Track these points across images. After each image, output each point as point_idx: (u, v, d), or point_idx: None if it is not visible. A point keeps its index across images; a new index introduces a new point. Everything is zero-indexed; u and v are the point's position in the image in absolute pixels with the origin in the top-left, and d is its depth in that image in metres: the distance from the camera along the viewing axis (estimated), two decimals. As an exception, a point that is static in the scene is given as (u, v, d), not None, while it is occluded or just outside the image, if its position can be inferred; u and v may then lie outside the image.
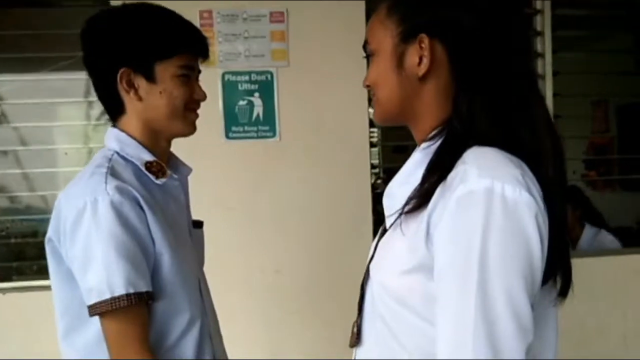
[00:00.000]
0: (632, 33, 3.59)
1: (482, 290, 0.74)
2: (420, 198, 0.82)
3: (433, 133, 0.90)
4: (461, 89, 0.87)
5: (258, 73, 2.37)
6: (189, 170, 1.37)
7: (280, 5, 2.35)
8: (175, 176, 1.28)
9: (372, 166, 2.52)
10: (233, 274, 2.34)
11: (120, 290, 1.08)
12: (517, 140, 0.84)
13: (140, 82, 1.20)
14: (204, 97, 1.27)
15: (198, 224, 1.40)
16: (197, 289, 1.27)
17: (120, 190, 1.12)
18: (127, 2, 1.23)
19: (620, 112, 4.21)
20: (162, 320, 1.18)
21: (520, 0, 0.95)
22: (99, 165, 1.17)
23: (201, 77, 1.29)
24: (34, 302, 2.17)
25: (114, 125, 1.26)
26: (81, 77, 1.25)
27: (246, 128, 2.38)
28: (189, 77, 1.23)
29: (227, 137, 2.37)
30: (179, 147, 1.35)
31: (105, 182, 1.12)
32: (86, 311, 1.11)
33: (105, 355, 1.13)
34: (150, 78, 1.19)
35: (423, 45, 0.87)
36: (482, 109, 0.85)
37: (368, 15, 2.09)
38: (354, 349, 1.00)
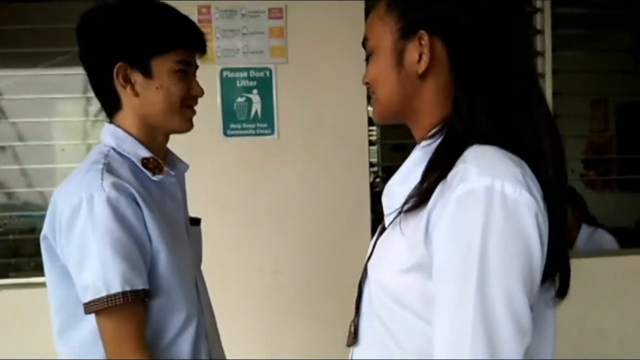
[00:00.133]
0: (630, 32, 3.58)
1: (481, 290, 0.73)
2: (420, 197, 0.82)
3: (433, 131, 0.89)
4: (461, 87, 0.86)
5: (256, 70, 2.36)
6: (186, 167, 1.36)
7: (279, 1, 2.34)
8: (172, 173, 1.27)
9: (371, 164, 2.52)
10: (231, 273, 2.33)
11: (116, 287, 1.08)
12: (517, 139, 0.83)
13: (137, 77, 1.19)
14: (201, 92, 1.26)
15: (195, 222, 1.39)
16: (194, 288, 1.26)
17: (116, 187, 1.11)
18: None
19: (620, 112, 4.21)
20: (158, 318, 1.17)
21: (518, -1, 0.95)
22: (95, 161, 1.17)
23: (199, 73, 1.29)
24: (30, 298, 2.17)
25: (111, 121, 1.25)
26: (79, 73, 1.24)
27: (244, 125, 2.37)
28: (186, 73, 1.23)
29: (225, 134, 2.37)
30: (177, 143, 1.34)
31: (102, 179, 1.11)
32: (82, 309, 1.11)
33: (101, 353, 1.12)
34: (147, 73, 1.18)
35: (423, 42, 0.86)
36: (482, 108, 0.84)
37: (368, 12, 2.08)
38: (351, 348, 1.00)
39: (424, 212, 0.80)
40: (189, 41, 1.23)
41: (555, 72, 2.56)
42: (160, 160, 1.24)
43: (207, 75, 2.12)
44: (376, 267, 0.91)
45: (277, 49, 2.36)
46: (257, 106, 2.37)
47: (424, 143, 0.90)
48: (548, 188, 0.81)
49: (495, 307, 0.73)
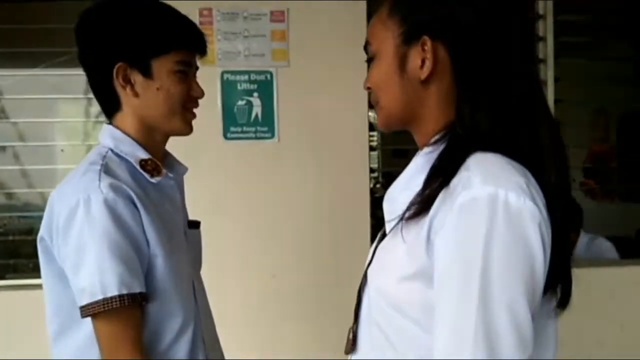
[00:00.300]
0: (633, 40, 3.57)
1: (483, 298, 0.72)
2: (422, 204, 0.81)
3: (435, 138, 0.88)
4: (464, 93, 0.85)
5: (257, 73, 2.35)
6: (185, 169, 1.35)
7: (281, 4, 2.34)
8: (171, 175, 1.26)
9: (371, 170, 2.51)
10: (229, 277, 2.32)
11: (113, 291, 1.07)
12: (521, 146, 0.82)
13: (137, 78, 1.18)
14: (201, 94, 1.25)
15: (194, 224, 1.38)
16: (191, 292, 1.25)
17: (114, 188, 1.10)
18: None
19: (621, 121, 4.20)
20: (154, 322, 1.16)
21: (524, 3, 0.94)
22: (92, 162, 1.16)
23: (200, 75, 1.28)
24: (28, 300, 2.16)
25: (109, 123, 1.24)
26: (81, 74, 1.23)
27: (244, 128, 2.36)
28: (186, 74, 1.22)
29: (225, 137, 2.36)
30: (176, 146, 1.33)
31: (99, 180, 1.10)
32: (78, 312, 1.10)
33: (98, 357, 1.11)
34: (147, 73, 1.18)
35: (425, 48, 0.85)
36: (486, 115, 0.83)
37: (370, 16, 2.08)
38: (349, 356, 0.99)
39: (425, 220, 0.80)
40: (189, 42, 1.22)
41: (557, 79, 2.55)
42: (159, 162, 1.23)
43: (208, 77, 2.10)
44: (376, 274, 0.90)
45: (278, 52, 2.35)
46: (257, 109, 2.36)
47: (426, 150, 0.89)
48: (551, 197, 0.80)
49: (496, 317, 0.72)
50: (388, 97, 0.91)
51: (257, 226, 2.38)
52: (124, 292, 1.07)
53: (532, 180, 0.79)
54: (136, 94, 1.19)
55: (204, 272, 1.39)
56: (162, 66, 1.18)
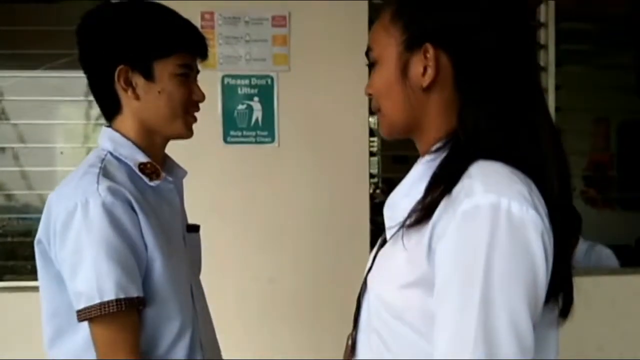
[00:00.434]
0: (630, 49, 3.57)
1: (483, 308, 0.72)
2: (423, 211, 0.80)
3: (437, 146, 0.88)
4: (466, 101, 0.85)
5: (258, 77, 2.35)
6: (184, 173, 1.34)
7: (282, 9, 2.34)
8: (170, 179, 1.25)
9: (371, 175, 2.50)
10: (227, 281, 2.31)
11: (110, 295, 1.06)
12: (523, 155, 0.82)
13: (138, 81, 1.17)
14: (202, 97, 1.25)
15: (194, 228, 1.37)
16: (189, 296, 1.24)
17: (112, 192, 1.09)
18: None
19: (621, 129, 4.20)
20: (152, 327, 1.15)
21: (526, 11, 0.94)
22: (91, 165, 1.15)
23: (200, 79, 1.27)
24: (25, 302, 2.15)
25: (109, 125, 1.23)
26: (82, 76, 1.23)
27: (245, 133, 2.36)
28: (188, 77, 1.21)
29: (225, 141, 2.35)
30: (176, 149, 1.33)
31: (97, 183, 1.10)
32: (75, 316, 1.09)
33: (94, 361, 1.10)
34: (149, 76, 1.17)
35: (428, 55, 0.85)
36: (489, 123, 0.83)
37: (371, 22, 2.08)
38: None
39: (427, 227, 0.79)
40: (191, 45, 1.22)
41: (558, 87, 2.55)
42: (158, 166, 1.22)
43: (209, 81, 2.10)
44: (376, 281, 0.90)
45: (279, 56, 2.35)
46: (257, 114, 2.36)
47: (427, 157, 0.88)
48: (553, 206, 0.79)
49: (497, 326, 0.71)
50: (390, 104, 0.91)
51: (256, 230, 2.38)
52: (121, 296, 1.06)
53: (535, 189, 0.79)
54: (137, 97, 1.18)
55: (201, 275, 1.38)
56: (164, 69, 1.18)
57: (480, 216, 0.73)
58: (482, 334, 0.71)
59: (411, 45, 0.86)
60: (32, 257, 1.19)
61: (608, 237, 3.22)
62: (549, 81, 2.55)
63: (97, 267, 1.06)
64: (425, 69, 0.85)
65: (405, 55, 0.87)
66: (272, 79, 2.35)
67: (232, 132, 2.35)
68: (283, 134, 2.37)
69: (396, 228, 0.85)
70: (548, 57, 2.55)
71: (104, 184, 1.10)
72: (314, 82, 2.37)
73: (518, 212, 0.74)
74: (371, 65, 0.94)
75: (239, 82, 2.35)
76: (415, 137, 0.93)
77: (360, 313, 0.95)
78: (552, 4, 2.55)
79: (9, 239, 2.79)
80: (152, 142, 1.23)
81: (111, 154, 1.19)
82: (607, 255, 2.94)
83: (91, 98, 1.25)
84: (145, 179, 1.19)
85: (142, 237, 1.12)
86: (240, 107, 2.35)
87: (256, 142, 2.36)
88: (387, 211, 0.94)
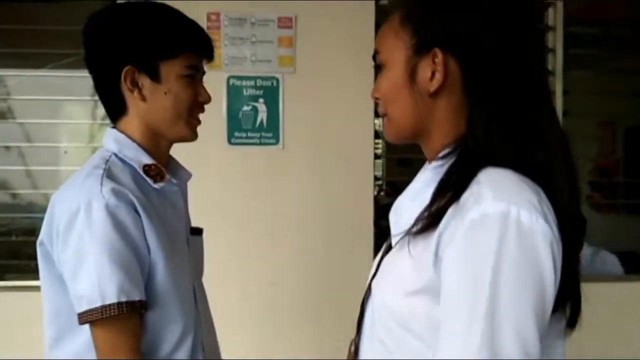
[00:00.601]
0: (636, 54, 3.55)
1: (490, 317, 0.71)
2: (430, 218, 0.79)
3: (445, 152, 0.87)
4: (475, 107, 0.84)
5: (263, 79, 2.35)
6: (189, 175, 1.34)
7: (289, 11, 2.33)
8: (175, 181, 1.25)
9: (376, 178, 2.49)
10: (228, 284, 2.30)
11: (111, 298, 1.05)
12: (533, 162, 0.80)
13: (145, 82, 1.17)
14: (208, 99, 1.24)
15: (197, 231, 1.36)
16: (192, 299, 1.23)
17: (116, 193, 1.09)
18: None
19: (628, 135, 4.18)
20: (153, 331, 1.14)
21: (535, 16, 0.93)
22: (95, 166, 1.14)
23: (206, 80, 1.27)
24: (28, 302, 2.14)
25: (114, 126, 1.23)
26: (88, 76, 1.22)
27: (249, 134, 2.35)
28: (194, 78, 1.21)
29: (230, 142, 2.35)
30: (180, 150, 1.32)
31: (101, 184, 1.09)
32: (76, 318, 1.08)
33: (95, 364, 1.09)
34: (155, 77, 1.16)
35: (436, 60, 0.84)
36: (498, 128, 0.82)
37: (378, 25, 2.07)
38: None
39: (434, 234, 0.78)
40: (197, 45, 1.21)
41: (565, 92, 2.54)
42: (163, 168, 1.22)
43: (214, 82, 2.09)
44: (381, 287, 0.89)
45: (285, 58, 2.34)
46: (262, 115, 2.35)
47: (435, 164, 0.87)
48: (563, 215, 0.78)
49: (503, 336, 0.70)
50: (397, 109, 0.90)
51: (259, 232, 2.37)
52: (123, 299, 1.06)
53: (544, 197, 0.78)
54: (143, 98, 1.17)
55: (204, 278, 1.37)
56: (171, 70, 1.17)
57: (489, 224, 0.73)
58: (487, 343, 0.70)
59: (420, 50, 0.85)
60: (36, 257, 1.19)
61: (613, 243, 3.20)
62: (557, 85, 2.54)
63: (99, 269, 1.05)
64: (433, 73, 0.84)
65: (413, 59, 0.86)
66: (277, 80, 2.35)
67: (236, 134, 2.35)
68: (288, 135, 2.36)
69: (402, 234, 0.84)
70: (556, 61, 2.55)
71: (108, 185, 1.09)
72: (319, 84, 2.37)
73: (527, 221, 0.73)
74: (378, 68, 0.93)
75: (244, 83, 2.34)
76: (422, 143, 0.92)
77: (363, 318, 0.94)
78: (560, 8, 2.54)
79: (13, 238, 2.79)
80: (156, 144, 1.22)
81: (116, 155, 1.18)
82: (611, 261, 2.92)
83: (97, 98, 1.25)
84: (150, 181, 1.18)
85: (145, 239, 1.11)
86: (245, 108, 2.34)
87: (261, 144, 2.36)
88: (392, 216, 0.93)
